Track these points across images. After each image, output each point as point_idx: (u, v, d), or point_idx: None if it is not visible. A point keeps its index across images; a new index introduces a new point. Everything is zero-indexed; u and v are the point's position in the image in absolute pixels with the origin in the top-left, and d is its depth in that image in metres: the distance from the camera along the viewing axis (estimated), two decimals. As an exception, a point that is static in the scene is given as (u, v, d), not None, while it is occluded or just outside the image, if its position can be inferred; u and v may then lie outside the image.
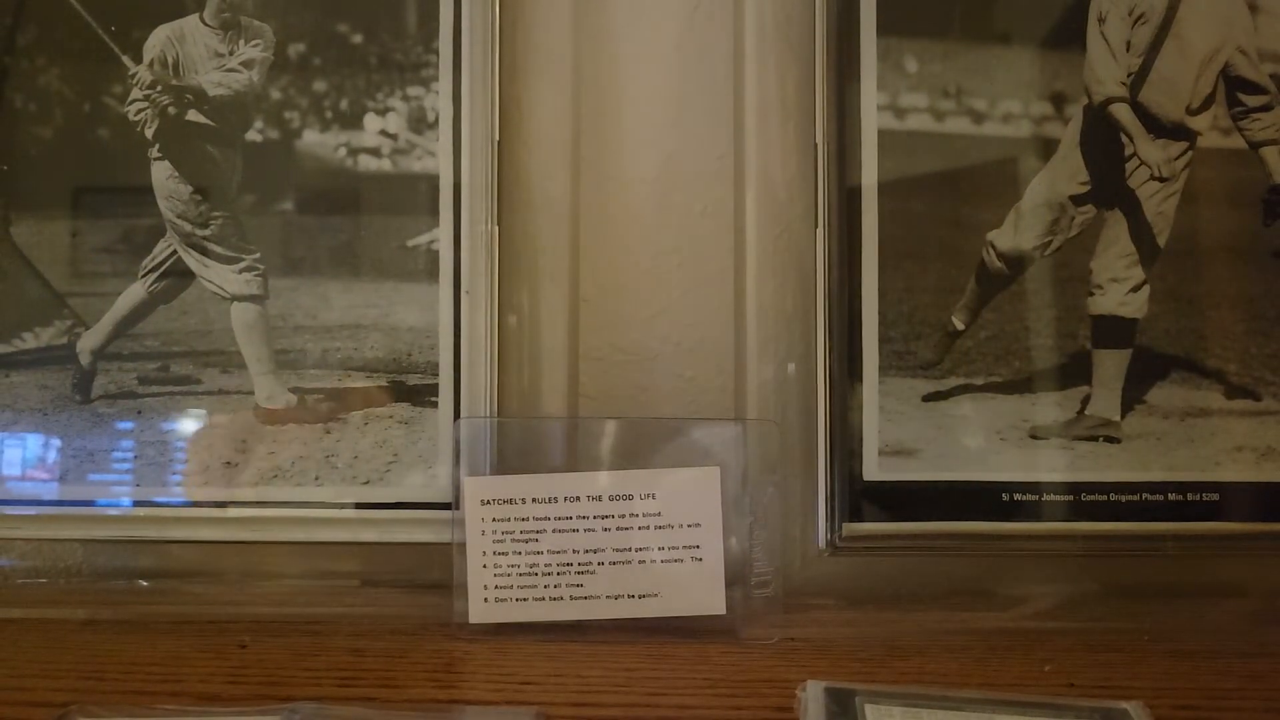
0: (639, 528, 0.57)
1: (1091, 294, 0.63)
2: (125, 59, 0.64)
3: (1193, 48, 0.64)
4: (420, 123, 0.64)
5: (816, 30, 0.63)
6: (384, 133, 0.64)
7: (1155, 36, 0.64)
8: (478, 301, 0.62)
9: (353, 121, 0.64)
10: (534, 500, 0.57)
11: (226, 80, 0.64)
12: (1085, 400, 0.63)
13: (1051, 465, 0.62)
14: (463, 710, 0.49)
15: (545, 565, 0.57)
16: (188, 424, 0.63)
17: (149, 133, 0.64)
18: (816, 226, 0.62)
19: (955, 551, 0.62)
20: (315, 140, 0.64)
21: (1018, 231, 0.63)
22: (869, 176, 0.62)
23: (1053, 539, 0.62)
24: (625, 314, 0.69)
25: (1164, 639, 0.59)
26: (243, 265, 0.63)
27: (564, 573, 0.57)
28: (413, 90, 0.64)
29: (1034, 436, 0.62)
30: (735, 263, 0.66)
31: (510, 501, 0.57)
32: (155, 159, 0.64)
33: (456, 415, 0.62)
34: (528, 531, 0.57)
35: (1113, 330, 0.63)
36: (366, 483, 0.62)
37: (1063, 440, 0.62)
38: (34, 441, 0.63)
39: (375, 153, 0.64)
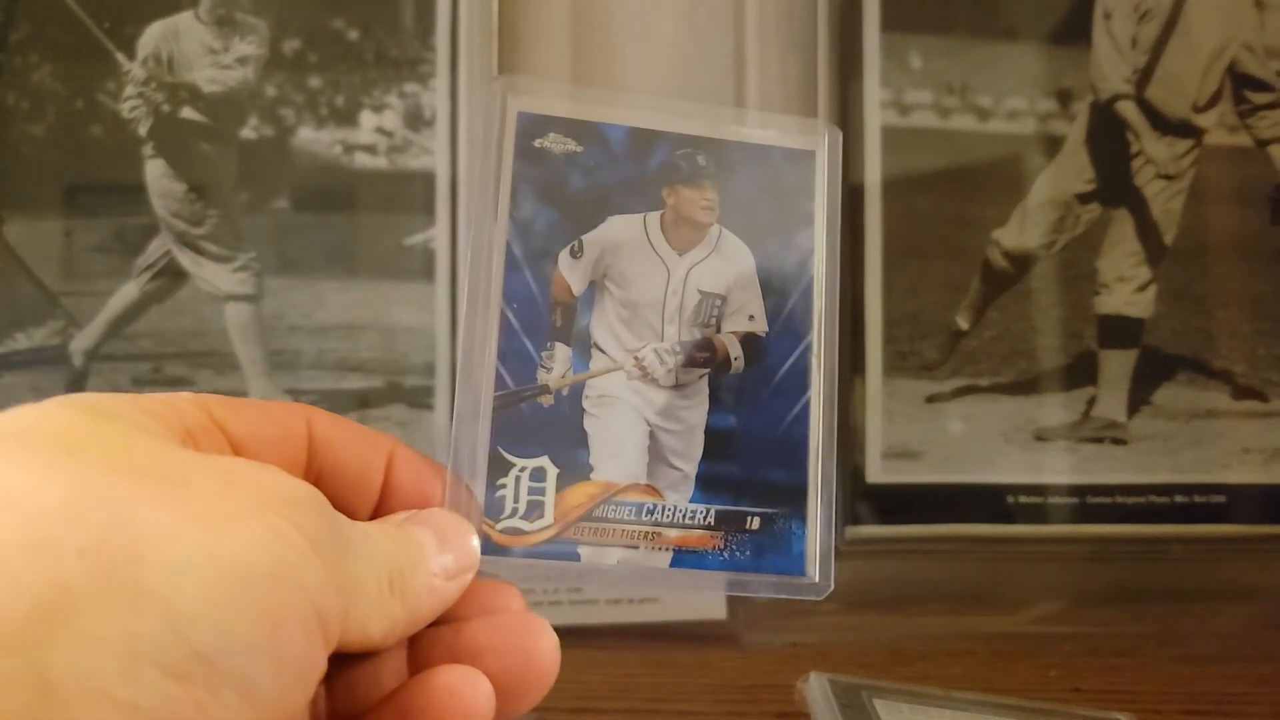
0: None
1: (1097, 293, 0.63)
2: (119, 56, 0.63)
3: (1199, 44, 0.63)
4: (417, 120, 0.63)
5: (819, 26, 0.62)
6: (380, 130, 0.63)
7: (1161, 33, 0.63)
8: (475, 301, 0.61)
9: (348, 118, 0.63)
10: (532, 502, 0.57)
11: (221, 77, 0.63)
12: (1091, 401, 0.62)
13: (1057, 467, 0.61)
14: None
15: (544, 569, 0.57)
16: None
17: (142, 130, 0.63)
18: (819, 225, 0.62)
19: (959, 555, 0.61)
20: (310, 137, 0.63)
21: (1023, 230, 0.63)
22: (872, 174, 0.62)
23: (1058, 542, 0.61)
24: (625, 314, 0.68)
25: (1170, 643, 0.58)
26: (237, 264, 0.63)
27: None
28: (409, 87, 0.63)
29: (1039, 438, 0.62)
30: (736, 262, 0.65)
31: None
32: (149, 157, 0.63)
33: (452, 416, 0.61)
34: (526, 534, 0.57)
35: (1119, 330, 0.63)
36: (363, 485, 0.61)
37: (1068, 442, 0.62)
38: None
39: (371, 150, 0.63)
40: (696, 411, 0.33)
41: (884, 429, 0.61)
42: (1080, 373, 0.62)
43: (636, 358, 0.33)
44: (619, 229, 0.34)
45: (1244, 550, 0.62)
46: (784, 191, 0.35)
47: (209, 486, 0.23)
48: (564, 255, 0.33)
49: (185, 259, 0.63)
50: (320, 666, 0.24)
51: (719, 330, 0.34)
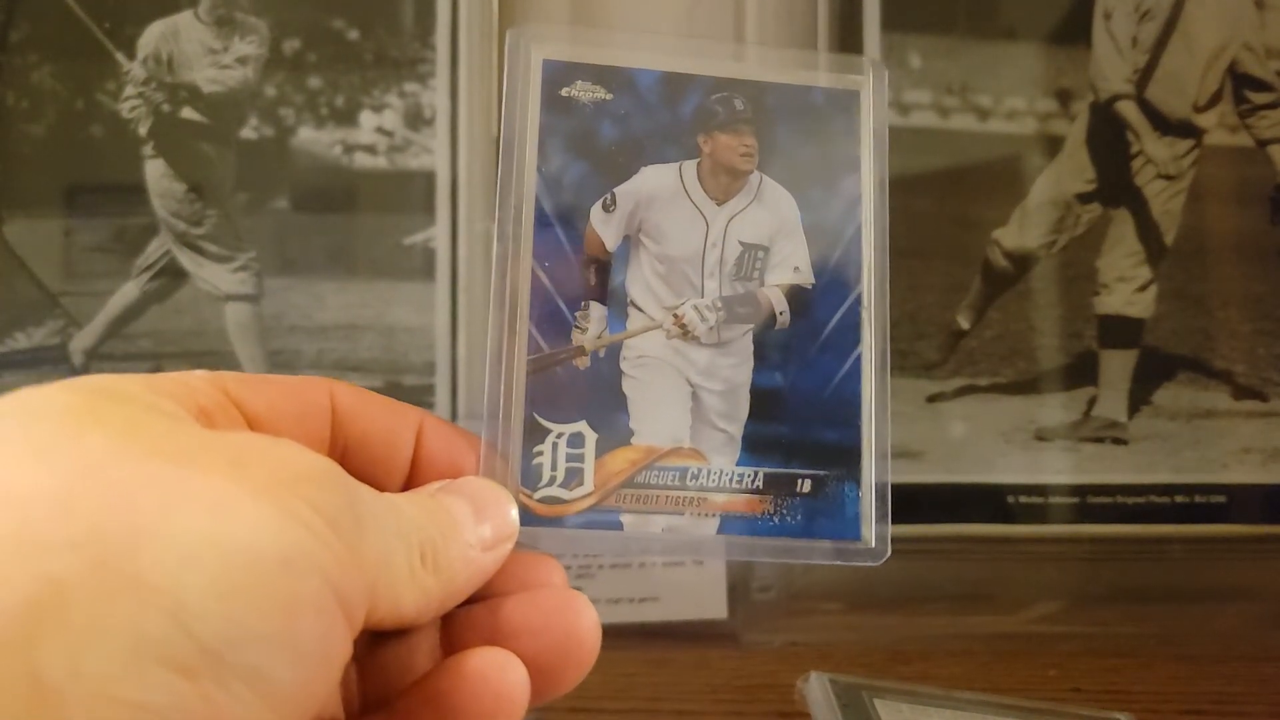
0: (639, 531, 0.56)
1: (1098, 293, 0.63)
2: (119, 56, 0.63)
3: (1199, 44, 0.63)
4: (417, 119, 0.63)
5: (819, 25, 0.62)
6: (380, 130, 0.63)
7: (1161, 33, 0.63)
8: (475, 300, 0.61)
9: (348, 118, 0.63)
10: (532, 502, 0.57)
11: (221, 77, 0.63)
12: (1091, 401, 0.62)
13: (1057, 467, 0.61)
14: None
15: (544, 568, 0.56)
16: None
17: (142, 130, 0.63)
18: (819, 225, 0.62)
19: (959, 555, 0.61)
20: (310, 137, 0.63)
21: (1023, 230, 0.63)
22: (872, 174, 0.62)
23: (1058, 542, 0.61)
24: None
25: (1170, 643, 0.58)
26: (237, 264, 0.63)
27: (563, 576, 0.56)
28: (409, 86, 0.63)
29: (1040, 438, 0.62)
30: (736, 262, 0.65)
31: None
32: (149, 157, 0.63)
33: (453, 417, 0.61)
34: (526, 534, 0.56)
35: (1119, 330, 0.63)
36: (363, 485, 0.61)
37: (1069, 442, 0.62)
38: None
39: (371, 150, 0.63)
40: (741, 370, 0.32)
41: (884, 429, 0.61)
42: (1080, 373, 0.62)
43: (676, 315, 0.32)
44: (653, 180, 0.32)
45: (1244, 550, 0.62)
46: (827, 134, 0.33)
47: (217, 465, 0.22)
48: (596, 209, 0.32)
49: (185, 259, 0.63)
50: (344, 651, 0.23)
51: (762, 283, 0.32)
